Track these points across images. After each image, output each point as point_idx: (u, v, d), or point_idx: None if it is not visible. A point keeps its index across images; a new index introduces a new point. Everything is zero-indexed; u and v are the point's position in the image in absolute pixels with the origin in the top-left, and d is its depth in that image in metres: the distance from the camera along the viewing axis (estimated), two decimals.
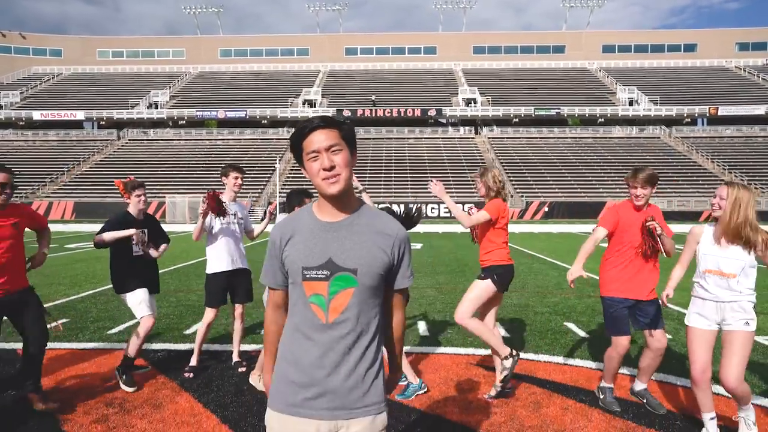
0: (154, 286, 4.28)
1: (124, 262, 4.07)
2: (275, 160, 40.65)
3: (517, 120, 50.72)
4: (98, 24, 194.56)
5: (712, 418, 2.99)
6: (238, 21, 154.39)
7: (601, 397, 3.57)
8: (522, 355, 4.69)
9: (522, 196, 37.39)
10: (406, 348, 4.06)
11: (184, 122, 52.31)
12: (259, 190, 38.84)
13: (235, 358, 4.47)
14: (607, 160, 42.71)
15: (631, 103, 51.77)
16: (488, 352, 4.83)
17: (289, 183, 39.48)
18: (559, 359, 4.60)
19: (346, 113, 50.37)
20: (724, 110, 49.15)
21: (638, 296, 3.40)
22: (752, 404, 3.02)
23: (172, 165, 42.66)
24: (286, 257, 1.57)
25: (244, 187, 36.41)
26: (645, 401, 3.52)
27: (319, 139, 1.51)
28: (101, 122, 52.77)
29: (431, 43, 64.92)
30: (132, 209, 4.17)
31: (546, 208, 36.09)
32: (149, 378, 4.13)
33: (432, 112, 50.25)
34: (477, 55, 64.13)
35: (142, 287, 4.09)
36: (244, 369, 4.33)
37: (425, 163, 43.15)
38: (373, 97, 52.89)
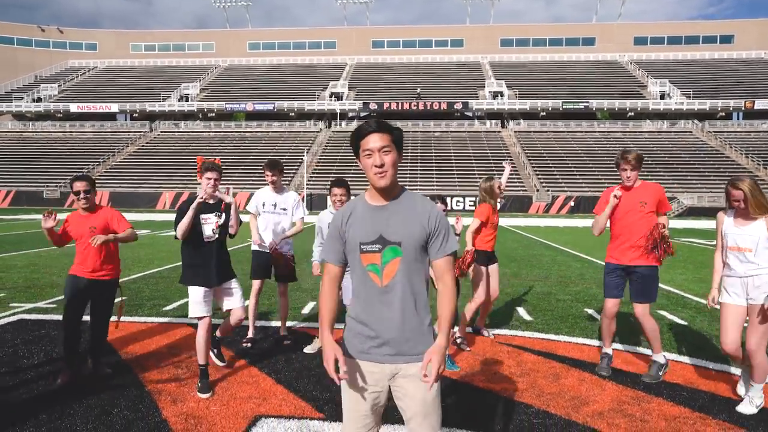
0: (224, 275, 3.93)
1: (189, 250, 3.83)
2: (303, 152, 41.40)
3: (544, 113, 50.26)
4: (131, 18, 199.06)
5: (759, 390, 3.31)
6: (266, 14, 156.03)
7: (599, 363, 4.05)
8: (543, 335, 5.07)
9: (548, 191, 37.25)
10: None
11: (213, 114, 53.58)
12: (287, 181, 39.66)
13: (282, 332, 5.00)
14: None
15: (662, 97, 50.69)
16: (510, 332, 5.22)
17: (316, 174, 40.20)
18: (578, 339, 4.96)
19: (373, 106, 50.78)
20: (761, 104, 47.74)
21: (625, 262, 3.88)
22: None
23: (202, 156, 43.82)
24: (347, 236, 1.95)
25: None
26: (648, 370, 3.93)
27: (374, 140, 1.86)
28: (134, 114, 54.49)
29: (458, 36, 64.65)
30: (201, 191, 3.91)
31: (572, 203, 35.90)
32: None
33: (458, 106, 50.22)
34: (504, 47, 63.61)
35: (199, 285, 3.78)
36: (289, 342, 4.84)
37: (451, 156, 43.26)
38: (419, 90, 53.07)
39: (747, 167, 39.70)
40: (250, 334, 4.88)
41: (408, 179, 38.98)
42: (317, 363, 4.27)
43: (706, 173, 38.31)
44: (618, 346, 4.70)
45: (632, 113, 50.20)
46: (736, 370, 4.08)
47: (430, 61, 62.45)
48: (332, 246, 2.02)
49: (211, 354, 4.13)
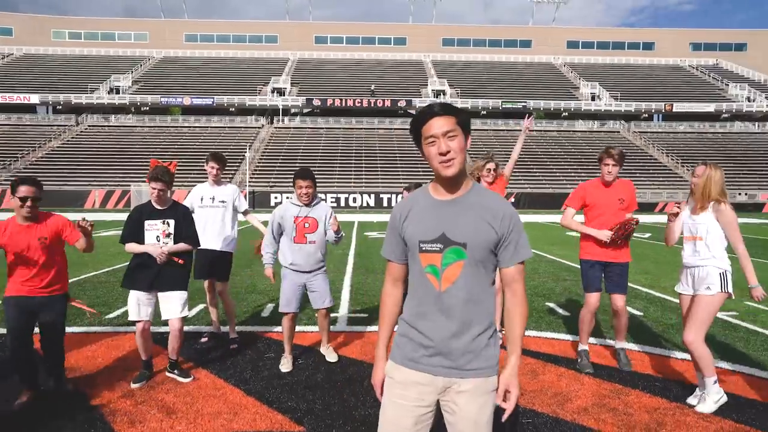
0: (166, 284, 3.76)
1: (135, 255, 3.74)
2: (244, 148, 40.14)
3: (484, 112, 51.63)
4: (52, 3, 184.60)
5: (715, 382, 3.24)
6: (204, 4, 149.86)
7: (579, 360, 4.05)
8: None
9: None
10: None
11: (147, 108, 50.75)
12: (228, 179, 38.29)
13: (233, 334, 4.71)
14: (571, 153, 44.13)
15: (593, 98, 53.49)
16: None
17: (259, 171, 39.11)
18: (547, 334, 5.01)
19: (316, 102, 50.10)
20: (678, 107, 51.45)
21: (604, 258, 3.94)
22: (717, 382, 3.23)
23: (135, 153, 41.36)
24: (405, 232, 1.74)
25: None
26: (619, 357, 4.04)
27: (437, 124, 1.64)
28: (58, 107, 50.55)
29: (401, 34, 65.08)
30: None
31: (512, 199, 37.08)
32: (164, 358, 4.28)
33: (402, 103, 50.52)
34: (446, 47, 64.73)
35: (136, 288, 3.70)
36: (235, 346, 4.57)
37: (396, 153, 43.47)
38: (373, 87, 52.79)
39: (668, 165, 42.72)
40: (212, 329, 4.89)
41: (353, 176, 38.80)
42: (289, 372, 4.02)
43: (633, 170, 40.81)
44: (572, 337, 4.78)
45: (566, 113, 52.61)
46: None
47: (373, 58, 62.43)
48: (390, 242, 1.83)
49: (172, 375, 3.89)
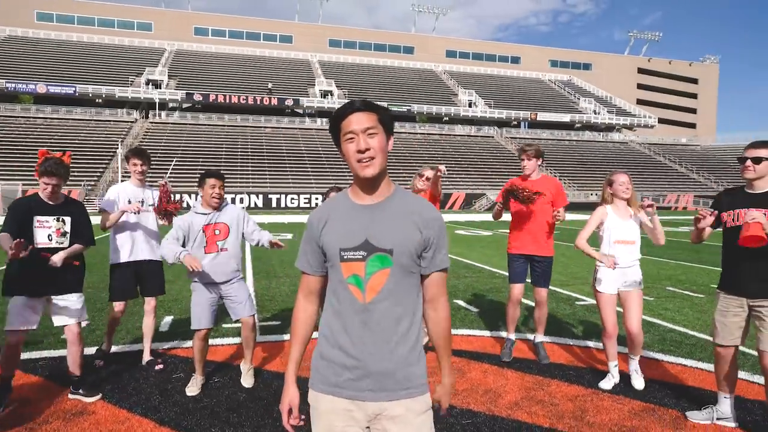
0: (60, 286, 3.45)
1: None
2: (115, 144, 36.37)
3: None
4: None
5: (615, 366, 3.78)
6: None
7: (502, 349, 4.33)
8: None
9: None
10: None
11: None
12: (96, 178, 34.35)
13: (147, 356, 4.18)
14: (452, 155, 46.80)
15: (470, 105, 57.31)
16: None
17: None
18: (463, 331, 5.19)
19: (198, 97, 47.09)
20: (541, 116, 57.22)
21: (528, 252, 4.22)
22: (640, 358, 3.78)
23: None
24: (323, 240, 1.59)
25: (75, 173, 31.58)
26: (537, 350, 4.31)
27: (357, 120, 1.52)
28: None
29: (288, 32, 63.82)
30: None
31: None
32: (42, 392, 3.63)
33: (289, 102, 49.55)
34: (333, 48, 64.87)
35: (22, 294, 3.34)
36: (161, 367, 4.08)
37: (283, 153, 42.47)
38: (270, 85, 50.49)
39: None
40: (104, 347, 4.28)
41: (240, 177, 37.12)
42: (206, 392, 3.66)
43: (506, 172, 44.48)
44: (501, 333, 5.04)
45: (447, 118, 55.72)
46: (594, 344, 4.70)
47: (259, 55, 60.39)
48: (305, 252, 1.66)
49: (77, 396, 3.47)
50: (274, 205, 34.61)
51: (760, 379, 3.80)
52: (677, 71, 75.59)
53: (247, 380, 3.84)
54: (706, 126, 74.63)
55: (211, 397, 3.56)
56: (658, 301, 6.64)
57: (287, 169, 39.79)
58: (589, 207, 37.83)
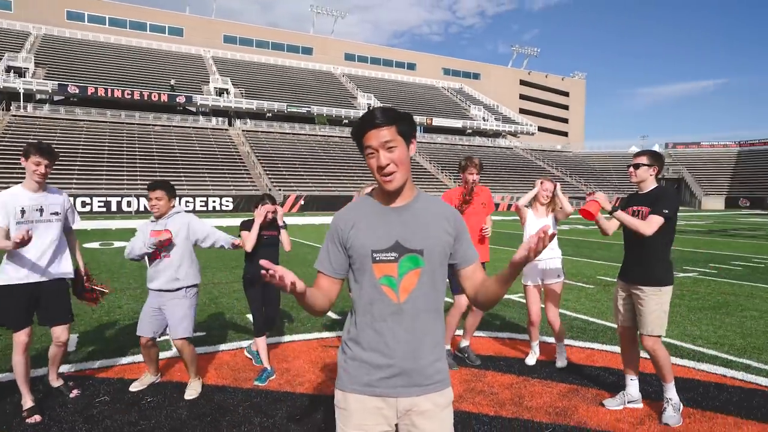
0: None
1: None
2: None
3: (270, 115, 51.36)
4: None
5: (536, 344, 4.34)
6: None
7: (466, 355, 4.48)
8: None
9: (279, 190, 38.29)
10: (270, 340, 4.14)
11: None
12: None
13: (55, 382, 3.73)
14: (352, 158, 47.25)
15: (369, 108, 58.31)
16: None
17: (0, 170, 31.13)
18: None
19: (73, 89, 42.43)
20: (437, 121, 59.97)
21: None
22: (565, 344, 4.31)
23: None
24: (352, 242, 1.63)
25: None
26: (466, 356, 4.47)
27: (375, 135, 1.56)
28: None
29: (178, 24, 59.89)
30: None
31: (302, 201, 37.86)
32: None
33: (181, 99, 46.58)
34: (228, 44, 62.20)
35: None
36: (77, 393, 3.70)
37: (176, 153, 39.84)
38: (173, 82, 46.37)
39: (431, 172, 49.40)
40: (27, 403, 3.37)
41: (126, 179, 34.14)
42: (138, 416, 3.41)
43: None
44: None
45: (346, 120, 56.11)
46: (520, 336, 5.13)
47: (145, 46, 55.95)
48: (329, 252, 1.68)
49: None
50: None
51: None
52: (552, 84, 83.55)
53: (189, 391, 3.71)
54: (576, 134, 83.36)
55: (149, 419, 3.33)
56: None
57: (180, 170, 37.38)
58: None
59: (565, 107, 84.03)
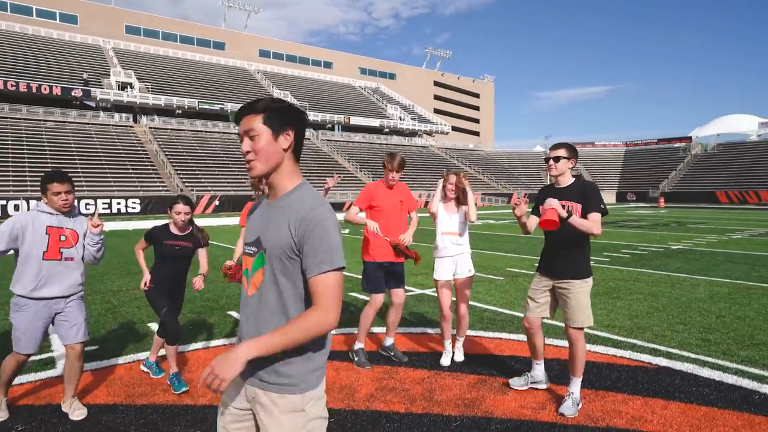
0: None
1: None
2: None
3: (180, 111, 48.64)
4: None
5: (449, 342, 4.32)
6: None
7: (356, 359, 4.32)
8: None
9: (192, 190, 36.39)
10: (199, 345, 3.82)
11: None
12: None
13: None
14: None
15: None
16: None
17: None
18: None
19: None
20: (354, 120, 60.11)
21: (392, 259, 4.31)
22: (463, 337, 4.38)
23: None
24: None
25: None
26: (393, 354, 4.42)
27: (242, 122, 1.60)
28: None
29: (71, 11, 54.70)
30: None
31: (217, 202, 36.27)
32: None
33: (77, 93, 42.64)
34: (130, 35, 57.94)
35: None
36: None
37: (73, 152, 36.46)
38: (85, 75, 41.63)
39: (350, 170, 49.46)
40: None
41: (13, 179, 30.67)
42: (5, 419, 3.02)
43: (322, 173, 45.65)
44: (345, 330, 5.22)
45: None
46: (432, 330, 5.21)
47: (32, 34, 50.56)
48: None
49: None
50: None
51: (556, 342, 4.71)
52: (464, 86, 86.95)
53: (76, 413, 3.33)
54: (487, 134, 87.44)
55: None
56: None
57: (78, 170, 34.24)
58: None
59: (477, 108, 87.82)
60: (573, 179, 3.49)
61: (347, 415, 3.31)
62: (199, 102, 49.40)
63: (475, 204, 4.34)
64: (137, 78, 48.61)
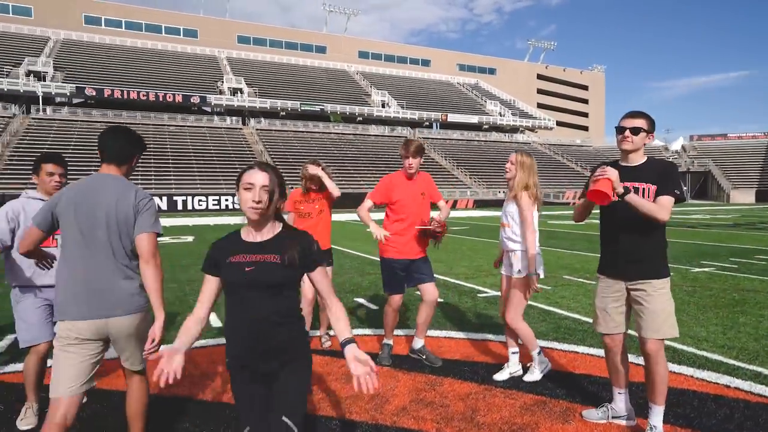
0: None
1: None
2: None
3: (284, 113, 51.26)
4: None
5: (514, 353, 3.66)
6: None
7: (380, 353, 3.96)
8: (319, 332, 4.75)
9: (292, 188, 38.02)
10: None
11: None
12: None
13: None
14: (366, 155, 46.83)
15: (383, 105, 57.74)
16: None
17: (11, 170, 31.63)
18: (358, 331, 4.84)
19: (90, 92, 42.97)
20: (451, 117, 59.05)
21: (412, 256, 3.84)
22: (539, 353, 3.58)
23: None
24: None
25: None
26: (424, 357, 3.92)
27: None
28: None
29: (192, 26, 60.34)
30: None
31: None
32: None
33: (195, 99, 46.79)
34: (242, 44, 62.41)
35: None
36: None
37: (190, 153, 40.00)
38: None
39: (446, 167, 48.61)
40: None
41: (140, 177, 34.35)
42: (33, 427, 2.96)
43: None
44: (396, 332, 4.74)
45: (360, 118, 55.68)
46: (497, 337, 4.56)
47: (160, 48, 56.47)
48: None
49: None
50: (180, 207, 32.34)
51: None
52: (570, 78, 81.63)
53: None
54: (596, 128, 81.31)
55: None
56: (556, 290, 6.74)
57: (194, 169, 37.49)
58: (497, 204, 39.56)
59: (585, 101, 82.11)
60: (646, 157, 2.78)
61: (367, 428, 2.84)
62: (301, 104, 51.63)
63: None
64: (246, 83, 52.07)
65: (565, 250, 11.20)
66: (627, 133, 2.72)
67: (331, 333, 4.50)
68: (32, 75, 43.55)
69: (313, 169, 4.33)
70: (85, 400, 3.22)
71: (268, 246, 1.87)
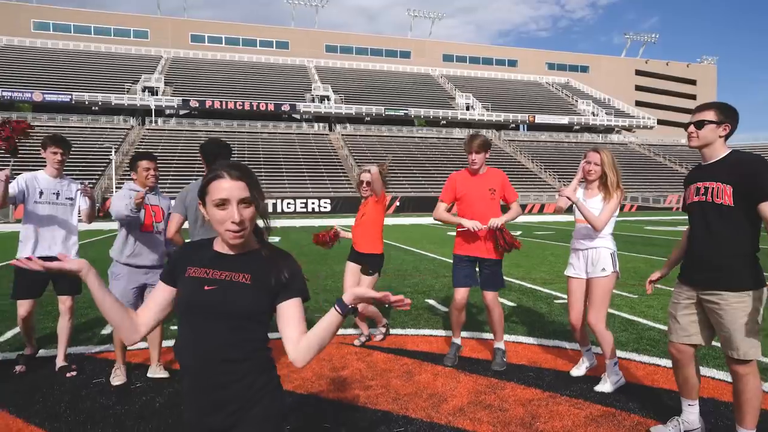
0: None
1: None
2: (110, 151, 36.19)
3: (368, 118, 52.43)
4: None
5: (587, 350, 3.59)
6: None
7: (447, 354, 3.93)
8: (391, 330, 4.82)
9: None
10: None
11: None
12: (92, 185, 34.12)
13: (60, 362, 3.80)
14: (450, 159, 46.46)
15: (468, 108, 57.02)
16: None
17: (128, 176, 35.45)
18: (425, 331, 4.83)
19: (194, 103, 47.01)
20: (539, 119, 56.89)
21: (479, 254, 3.77)
22: (616, 364, 3.38)
23: None
24: None
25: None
26: (493, 359, 3.84)
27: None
28: None
29: (284, 38, 63.85)
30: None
31: (398, 203, 37.95)
32: None
33: (286, 108, 49.39)
34: (329, 53, 64.85)
35: None
36: (74, 374, 3.72)
37: (279, 158, 42.24)
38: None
39: (533, 170, 46.86)
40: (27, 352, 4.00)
41: None
42: (116, 399, 3.30)
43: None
44: (464, 333, 4.68)
45: (444, 121, 55.42)
46: (570, 345, 4.33)
47: (255, 61, 60.37)
48: None
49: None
50: (270, 210, 34.19)
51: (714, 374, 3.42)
52: (675, 72, 75.26)
53: (160, 372, 3.64)
54: None
55: (124, 404, 3.21)
56: (643, 299, 6.26)
57: (284, 173, 39.53)
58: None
59: (692, 97, 75.23)
60: (727, 150, 2.47)
61: (421, 426, 2.83)
62: (385, 109, 52.50)
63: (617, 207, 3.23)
64: (333, 91, 53.98)
65: (660, 257, 10.35)
66: (691, 128, 2.49)
67: (369, 332, 4.50)
68: (147, 90, 48.45)
69: (365, 175, 4.47)
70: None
71: (238, 262, 1.42)
